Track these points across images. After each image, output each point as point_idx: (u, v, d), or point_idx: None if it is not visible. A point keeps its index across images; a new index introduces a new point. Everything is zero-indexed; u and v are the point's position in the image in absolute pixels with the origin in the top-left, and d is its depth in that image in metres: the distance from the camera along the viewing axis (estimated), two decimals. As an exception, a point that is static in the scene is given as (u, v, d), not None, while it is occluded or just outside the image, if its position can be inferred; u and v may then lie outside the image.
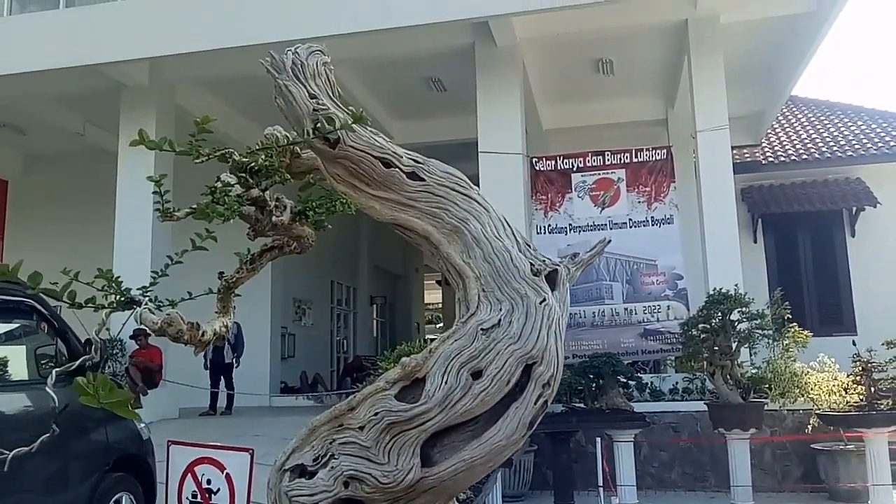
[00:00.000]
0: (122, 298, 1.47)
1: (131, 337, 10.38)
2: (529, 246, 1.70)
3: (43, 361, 5.00)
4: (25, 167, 16.34)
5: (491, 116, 11.10)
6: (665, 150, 10.98)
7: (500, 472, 6.46)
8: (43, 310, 4.78)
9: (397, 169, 1.73)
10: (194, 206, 1.42)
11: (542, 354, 1.53)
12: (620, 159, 10.97)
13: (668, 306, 10.35)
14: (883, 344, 7.94)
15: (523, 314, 1.56)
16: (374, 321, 23.32)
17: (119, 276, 1.52)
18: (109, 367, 9.62)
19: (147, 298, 1.48)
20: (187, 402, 12.20)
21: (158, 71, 11.85)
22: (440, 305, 32.57)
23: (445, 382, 1.50)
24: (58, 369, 1.46)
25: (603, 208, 10.70)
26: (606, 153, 11.01)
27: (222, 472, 3.32)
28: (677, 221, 10.67)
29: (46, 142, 14.94)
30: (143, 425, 5.59)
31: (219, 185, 1.41)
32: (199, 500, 3.37)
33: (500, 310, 1.58)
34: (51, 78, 11.29)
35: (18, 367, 4.63)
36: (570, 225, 10.70)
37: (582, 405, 8.46)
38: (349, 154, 1.65)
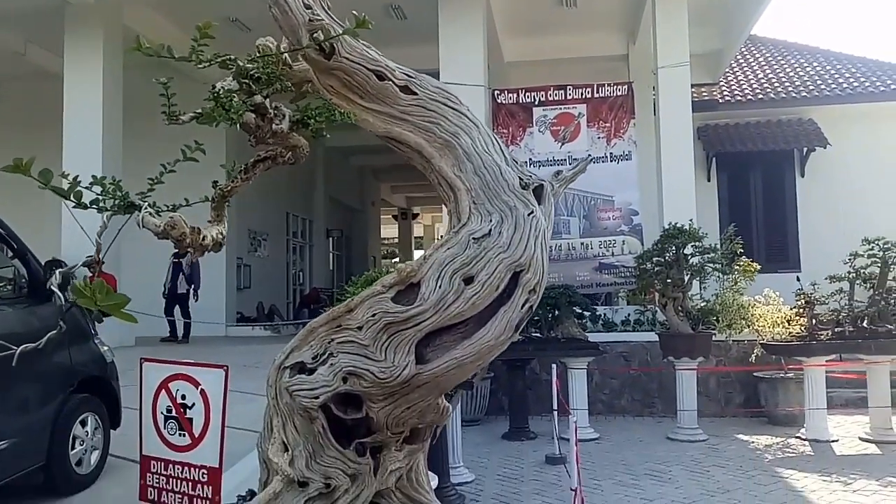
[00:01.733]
0: (123, 202, 1.49)
1: (84, 264, 10.22)
2: (516, 162, 1.76)
3: (1, 283, 4.94)
4: (-34, 89, 15.60)
5: (453, 47, 10.97)
6: (626, 87, 11.04)
7: (459, 397, 6.67)
8: (1, 230, 4.69)
9: (391, 82, 1.75)
10: (199, 110, 1.43)
11: (529, 262, 1.61)
12: (582, 94, 11.00)
13: (624, 241, 10.59)
14: (826, 278, 8.32)
15: (512, 225, 1.64)
16: (331, 254, 23.32)
17: (120, 180, 1.54)
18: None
19: (146, 203, 1.51)
20: (143, 332, 12.14)
21: (105, -12, 11.35)
22: (396, 240, 32.62)
23: (439, 287, 1.58)
24: (61, 270, 1.48)
25: (563, 143, 10.78)
26: (568, 87, 11.03)
27: (197, 388, 3.37)
28: (635, 158, 10.83)
29: (-15, 62, 14.28)
30: (106, 348, 5.60)
31: (220, 90, 1.42)
32: (173, 414, 3.42)
33: (491, 221, 1.65)
34: (-11, -7, 10.74)
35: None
36: (530, 160, 10.75)
37: (538, 334, 8.71)
38: (343, 65, 1.67)
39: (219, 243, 1.59)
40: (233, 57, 1.48)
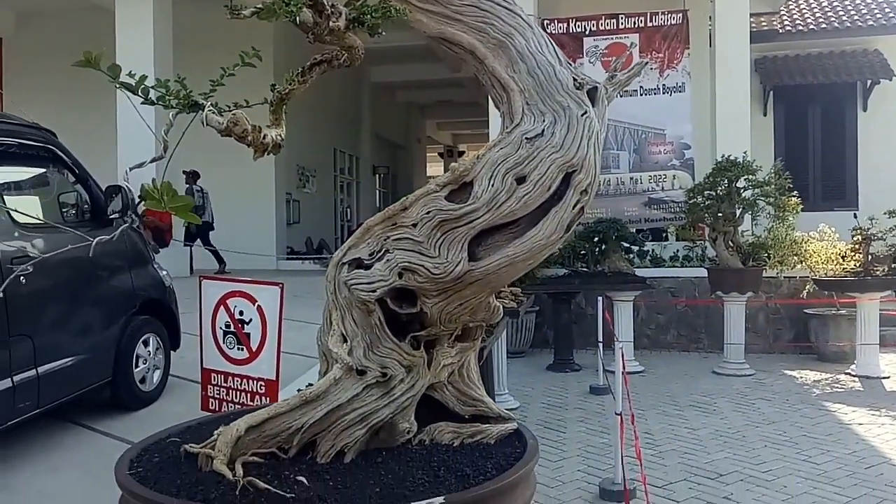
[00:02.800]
0: (187, 101, 1.54)
1: (141, 197, 10.50)
2: (571, 63, 1.76)
3: (64, 209, 5.12)
4: (19, 23, 15.87)
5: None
6: (681, 15, 10.65)
7: (504, 326, 6.76)
8: (65, 157, 4.84)
9: (445, -20, 1.75)
10: (260, 5, 1.46)
11: (581, 163, 1.62)
12: (634, 23, 10.67)
13: (674, 175, 10.40)
14: (884, 213, 8.07)
15: (565, 125, 1.64)
16: (377, 191, 23.43)
17: (185, 78, 1.59)
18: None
19: (209, 102, 1.55)
20: (197, 265, 12.52)
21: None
22: (442, 177, 32.50)
23: (492, 185, 1.60)
24: (131, 167, 1.55)
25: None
26: (620, 16, 10.70)
27: (254, 304, 3.50)
28: (689, 90, 10.53)
29: (38, -3, 14.48)
30: (164, 273, 5.80)
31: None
32: (232, 329, 3.57)
33: (544, 121, 1.66)
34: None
35: (44, 212, 4.76)
36: (579, 92, 10.55)
37: (585, 268, 8.70)
38: (398, -37, 1.66)
39: (278, 145, 1.64)
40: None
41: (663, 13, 10.67)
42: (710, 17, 11.08)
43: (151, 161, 1.57)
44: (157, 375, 5.54)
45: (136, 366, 5.25)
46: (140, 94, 1.48)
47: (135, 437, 4.75)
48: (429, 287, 1.61)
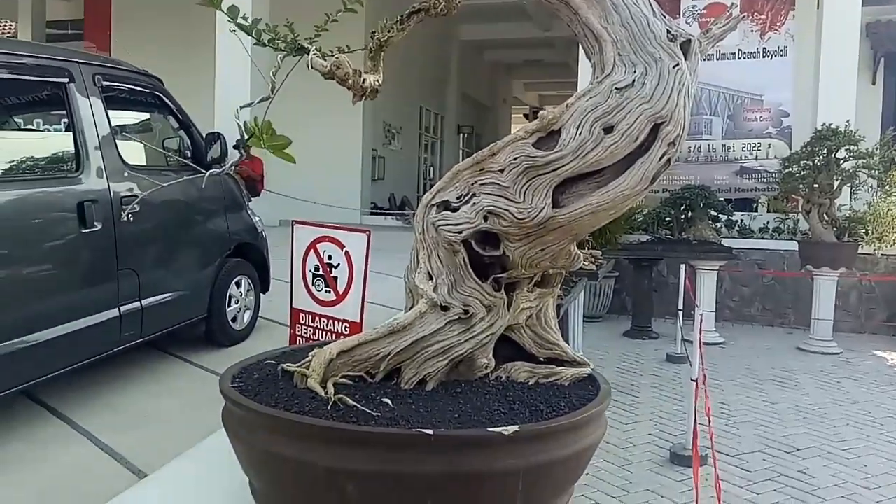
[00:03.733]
0: (294, 45, 1.64)
1: (234, 146, 10.90)
2: (665, 16, 1.76)
3: (168, 153, 5.39)
4: (126, -25, 16.51)
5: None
6: (787, -26, 10.14)
7: (583, 287, 6.75)
8: (170, 103, 5.09)
9: (541, -70, 1.78)
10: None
11: (670, 115, 1.63)
12: (737, -18, 10.21)
13: (770, 144, 10.01)
14: None
15: (656, 77, 1.65)
16: (461, 151, 23.43)
17: (293, 22, 1.68)
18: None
19: (314, 46, 1.65)
20: (284, 215, 12.92)
21: None
22: (527, 139, 32.19)
23: (579, 134, 1.64)
24: (242, 105, 1.66)
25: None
26: (722, -26, 10.26)
27: (342, 250, 3.65)
28: (791, 54, 10.06)
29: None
30: (257, 219, 6.04)
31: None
32: (321, 272, 3.74)
33: (635, 72, 1.67)
34: None
35: (151, 155, 5.03)
36: (674, 54, 10.22)
37: (669, 235, 8.55)
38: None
39: (375, 90, 1.72)
40: None
41: (768, -28, 10.17)
42: (819, -23, 10.49)
43: (259, 101, 1.68)
44: (247, 316, 5.80)
45: (229, 305, 5.51)
46: (254, 35, 1.58)
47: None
48: (512, 231, 1.68)
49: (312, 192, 13.20)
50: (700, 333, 4.47)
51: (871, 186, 8.33)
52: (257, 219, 6.05)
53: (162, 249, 4.67)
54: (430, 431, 1.42)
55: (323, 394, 1.57)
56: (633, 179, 1.62)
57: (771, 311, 9.32)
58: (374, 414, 1.52)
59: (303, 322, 3.95)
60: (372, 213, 15.85)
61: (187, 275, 5.00)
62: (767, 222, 10.02)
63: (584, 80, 10.29)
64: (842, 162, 7.92)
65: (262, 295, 6.08)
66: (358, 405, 1.53)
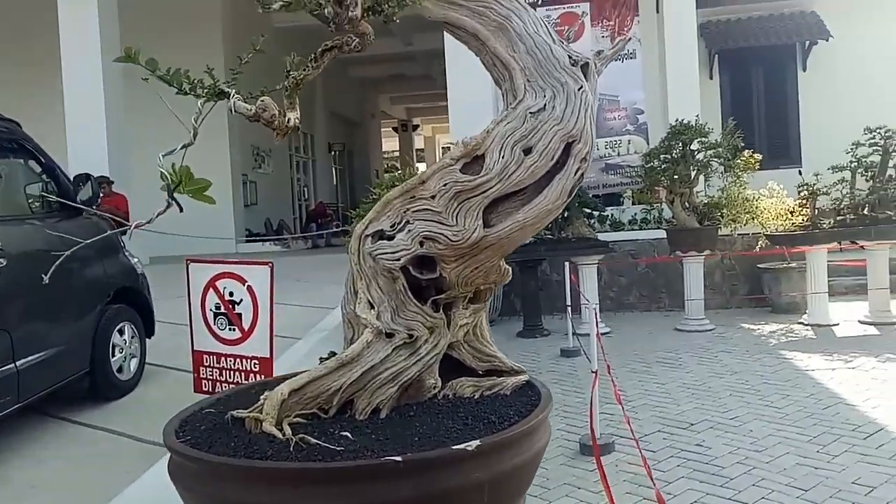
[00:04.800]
0: (214, 90, 1.63)
1: (97, 179, 10.34)
2: (562, 42, 1.89)
3: (30, 199, 5.08)
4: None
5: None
6: (629, -18, 10.87)
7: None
8: (30, 147, 4.80)
9: (447, -32, 1.86)
10: (287, -1, 1.55)
11: (580, 134, 1.76)
12: (585, -8, 10.84)
13: (629, 140, 10.67)
14: (828, 168, 8.46)
15: (564, 100, 1.78)
16: (334, 168, 23.31)
17: (213, 69, 1.67)
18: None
19: (234, 91, 1.65)
20: (156, 251, 12.38)
21: None
22: (397, 153, 32.47)
23: (502, 157, 1.74)
24: (164, 153, 1.63)
25: (567, 43, 10.65)
26: (571, -15, 10.85)
27: (244, 285, 3.58)
28: (640, 57, 10.77)
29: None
30: (136, 260, 5.80)
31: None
32: (222, 310, 3.65)
33: (545, 96, 1.80)
34: None
35: (11, 203, 4.72)
36: (533, 62, 10.67)
37: (550, 235, 8.92)
38: (404, -47, 1.77)
39: (297, 127, 1.75)
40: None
41: (612, -19, 10.86)
42: (656, -16, 11.31)
43: (182, 147, 1.66)
44: (133, 364, 5.55)
45: (113, 355, 5.24)
46: (175, 85, 1.56)
47: (117, 426, 4.81)
48: (448, 253, 1.75)
49: (182, 224, 12.71)
50: (597, 326, 4.72)
51: (721, 173, 9.06)
52: (136, 260, 5.82)
53: (35, 304, 4.38)
54: (398, 458, 1.46)
55: (281, 436, 1.58)
56: (552, 195, 1.74)
57: (647, 297, 9.92)
58: (338, 449, 1.55)
59: (207, 364, 3.84)
60: (248, 241, 15.45)
61: (65, 328, 4.73)
62: (635, 214, 10.67)
63: (454, 93, 10.57)
64: (696, 153, 8.57)
65: (147, 340, 5.83)
66: (320, 443, 1.55)
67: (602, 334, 8.23)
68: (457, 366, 1.97)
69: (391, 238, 1.78)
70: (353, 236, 1.84)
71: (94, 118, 10.81)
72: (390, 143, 32.16)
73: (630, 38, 2.36)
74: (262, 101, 1.61)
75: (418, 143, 34.39)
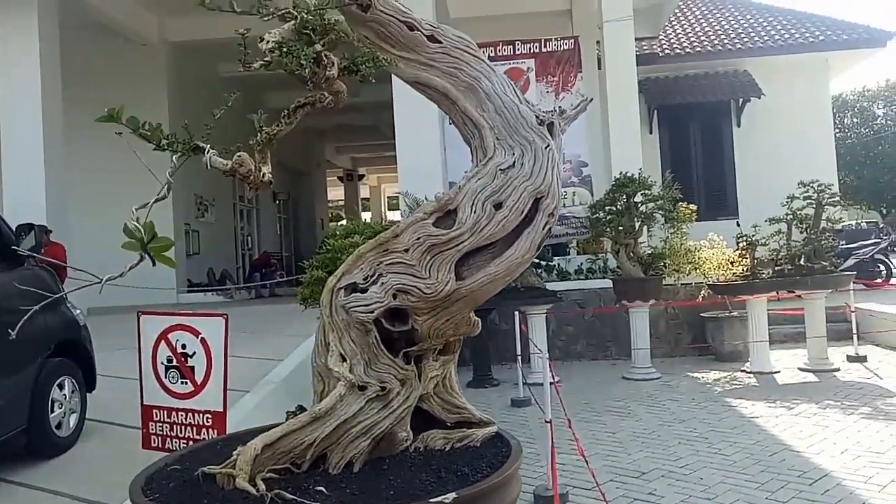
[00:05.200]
0: (189, 145, 1.63)
1: (37, 229, 10.05)
2: (529, 102, 1.96)
3: (-28, 250, 4.91)
4: None
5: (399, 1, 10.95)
6: (572, 41, 11.28)
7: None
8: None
9: (419, 32, 1.92)
10: (267, 59, 1.58)
11: (548, 189, 1.83)
12: (530, 49, 11.20)
13: (574, 192, 10.92)
14: (766, 220, 8.83)
15: (532, 157, 1.85)
16: (278, 217, 23.15)
17: (187, 123, 1.68)
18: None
19: (208, 146, 1.66)
20: (95, 302, 12.01)
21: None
22: (342, 202, 32.47)
23: (474, 212, 1.78)
24: (137, 207, 1.61)
25: (513, 98, 10.97)
26: (517, 43, 11.20)
27: (197, 337, 3.51)
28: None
29: None
30: (77, 311, 5.62)
31: (278, 42, 1.56)
32: (174, 363, 3.56)
33: (514, 154, 1.86)
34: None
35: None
36: (481, 115, 10.90)
37: (498, 285, 9.00)
38: (378, 18, 1.83)
39: (270, 181, 1.76)
40: (292, 11, 1.62)
41: (556, 39, 11.27)
42: (598, 43, 11.78)
43: (155, 202, 1.65)
44: (73, 419, 5.33)
45: (52, 410, 5.04)
46: (153, 142, 1.57)
47: (56, 485, 4.60)
48: (421, 306, 1.77)
49: (123, 278, 12.40)
50: (553, 377, 4.76)
51: (663, 224, 9.35)
52: (78, 311, 5.64)
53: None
54: (376, 513, 1.45)
55: (255, 492, 1.55)
56: (522, 248, 1.79)
57: (595, 345, 10.05)
58: (314, 504, 1.53)
59: (157, 419, 3.73)
60: (189, 291, 15.13)
61: (2, 383, 4.54)
62: (581, 264, 10.88)
63: (402, 144, 10.70)
64: (639, 205, 8.84)
65: (88, 394, 5.62)
66: (296, 498, 1.53)
67: (552, 383, 8.30)
68: (427, 418, 1.98)
69: (364, 291, 1.80)
70: (325, 289, 1.85)
71: (33, 167, 10.58)
72: (336, 192, 32.16)
73: (591, 100, 2.45)
74: (239, 156, 1.63)
75: (364, 192, 34.50)
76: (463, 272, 1.80)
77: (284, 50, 1.54)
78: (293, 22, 1.57)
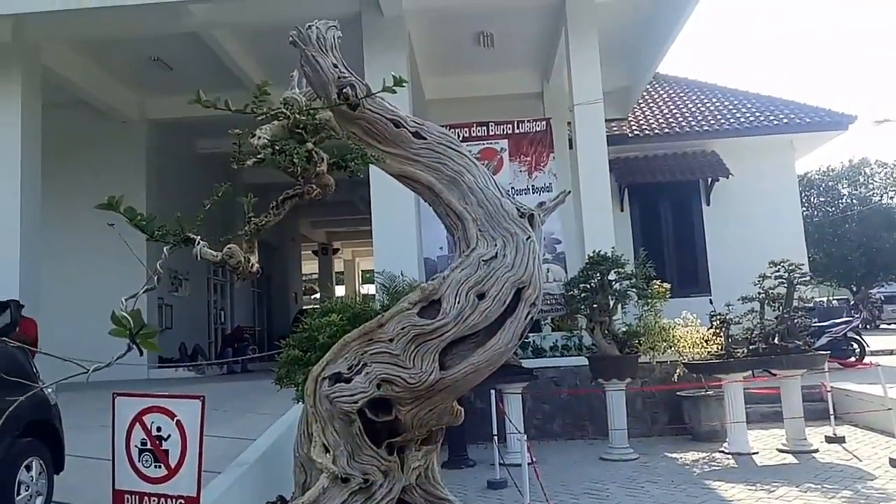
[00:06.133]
0: (181, 237, 1.66)
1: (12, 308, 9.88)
2: (510, 194, 2.03)
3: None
4: None
5: (377, 85, 11.22)
6: (544, 122, 11.63)
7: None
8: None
9: (405, 129, 2.00)
10: (261, 156, 1.63)
11: (530, 280, 1.87)
12: (503, 130, 11.51)
13: (548, 269, 11.01)
14: (738, 299, 8.96)
15: (514, 248, 1.90)
16: (252, 291, 22.99)
17: (179, 215, 1.71)
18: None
19: (199, 238, 1.68)
20: (62, 377, 11.73)
21: (22, 29, 11.11)
22: (317, 276, 32.40)
23: (458, 302, 1.82)
24: (126, 297, 1.62)
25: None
26: (490, 124, 11.52)
27: (172, 420, 3.44)
28: (556, 189, 11.35)
29: None
30: (50, 390, 5.50)
31: (263, 138, 1.62)
32: (148, 447, 3.48)
33: (496, 245, 1.91)
34: None
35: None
36: (457, 193, 11.08)
37: (474, 362, 8.94)
38: (366, 116, 1.90)
39: (258, 271, 1.79)
40: (284, 111, 1.69)
41: (529, 121, 11.62)
42: (569, 124, 12.15)
43: (144, 291, 1.67)
44: (39, 502, 5.17)
45: (18, 493, 4.89)
46: (147, 233, 1.59)
47: (14, 575, 4.39)
48: (405, 396, 1.78)
49: (91, 350, 12.14)
50: (531, 459, 4.71)
51: (637, 302, 9.43)
52: (50, 390, 5.51)
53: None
54: None
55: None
56: (505, 338, 1.82)
57: (571, 424, 9.96)
58: None
59: (128, 504, 3.61)
60: (160, 367, 14.86)
61: (-33, 465, 4.40)
62: (556, 340, 10.89)
63: (378, 220, 10.79)
64: (613, 283, 8.94)
65: (55, 476, 5.45)
66: None
67: (529, 464, 8.18)
68: (409, 510, 1.96)
69: (349, 381, 1.80)
70: (309, 377, 1.85)
71: (9, 240, 10.51)
72: (310, 266, 32.12)
73: (569, 192, 2.54)
74: (230, 248, 1.66)
75: (338, 266, 34.50)
76: (447, 361, 1.81)
77: (277, 148, 1.59)
78: (286, 121, 1.63)
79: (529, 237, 1.92)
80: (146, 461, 3.51)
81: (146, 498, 3.51)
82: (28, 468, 5.04)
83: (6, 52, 11.01)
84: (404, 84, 1.83)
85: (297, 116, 1.63)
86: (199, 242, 1.64)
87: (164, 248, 1.68)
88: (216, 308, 19.45)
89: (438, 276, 1.87)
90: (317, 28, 1.91)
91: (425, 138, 2.03)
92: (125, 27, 10.86)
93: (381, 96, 2.00)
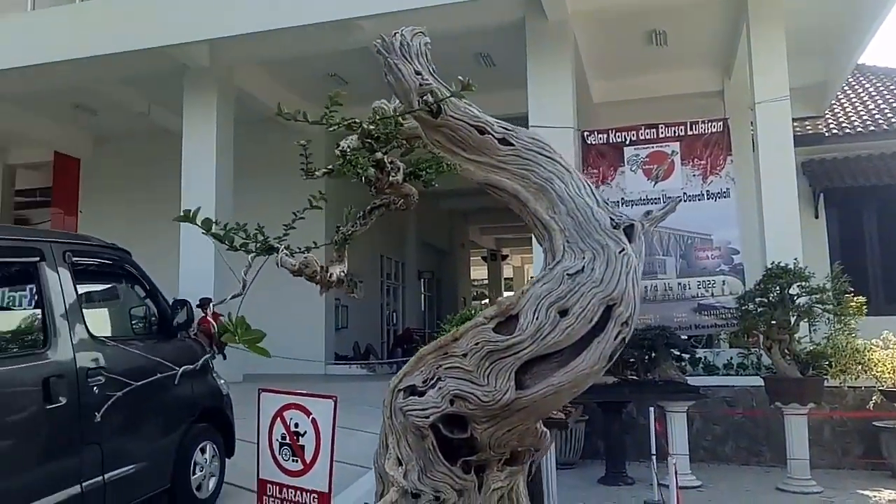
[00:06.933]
0: (264, 245, 1.72)
1: (198, 305, 10.92)
2: (607, 203, 1.90)
3: (133, 321, 5.41)
4: (96, 146, 17.07)
5: (542, 91, 11.12)
6: (721, 123, 10.89)
7: (553, 438, 6.67)
8: (137, 274, 5.16)
9: (490, 135, 1.94)
10: (330, 167, 1.66)
11: (621, 297, 1.73)
12: (675, 132, 10.92)
13: (724, 281, 10.33)
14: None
15: (604, 262, 1.77)
16: (422, 295, 23.71)
17: (263, 226, 1.78)
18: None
19: (283, 246, 1.74)
20: (250, 370, 12.76)
21: (218, 52, 12.22)
22: (486, 281, 32.74)
23: (536, 318, 1.72)
24: (216, 302, 1.71)
25: (656, 182, 10.69)
26: (660, 126, 10.97)
27: (308, 417, 3.61)
28: (734, 195, 10.61)
29: (114, 122, 15.59)
30: (222, 381, 5.98)
31: (346, 149, 1.64)
32: (287, 441, 3.68)
33: (584, 258, 1.79)
34: (119, 60, 11.74)
35: (116, 324, 5.03)
36: (622, 199, 10.71)
37: (634, 377, 8.58)
38: (449, 122, 1.87)
39: (341, 280, 1.80)
40: (358, 121, 1.71)
41: (704, 121, 10.93)
42: (751, 123, 11.30)
43: (232, 298, 1.74)
44: (212, 483, 5.64)
45: (194, 473, 5.36)
46: (226, 242, 1.66)
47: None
48: (479, 414, 1.71)
49: (277, 344, 13.07)
50: (676, 484, 4.42)
51: (828, 319, 8.51)
52: (222, 381, 6.01)
53: (126, 420, 4.58)
54: None
55: None
56: (591, 359, 1.69)
57: (745, 448, 9.22)
58: None
59: (270, 493, 3.83)
60: (336, 363, 15.70)
61: (151, 444, 4.89)
62: (731, 358, 10.14)
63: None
64: (796, 298, 8.16)
65: (227, 459, 5.92)
66: None
67: (692, 488, 7.69)
68: (492, 534, 1.88)
69: (422, 394, 1.77)
70: (387, 389, 1.84)
71: (207, 246, 11.63)
72: (479, 272, 32.51)
73: (681, 199, 2.38)
74: (306, 257, 1.69)
75: (507, 272, 34.62)
76: (525, 380, 1.72)
77: (347, 158, 1.60)
78: (358, 132, 1.64)
79: (623, 250, 1.77)
80: (285, 454, 3.70)
81: (285, 489, 3.70)
82: (203, 451, 5.49)
83: (204, 74, 12.19)
84: (473, 89, 1.77)
85: (367, 127, 1.63)
86: (281, 251, 1.68)
87: (248, 257, 1.74)
88: (388, 310, 20.27)
89: (518, 290, 1.78)
90: (401, 35, 1.90)
91: (512, 144, 1.94)
92: (304, 45, 11.61)
93: (467, 102, 1.95)
